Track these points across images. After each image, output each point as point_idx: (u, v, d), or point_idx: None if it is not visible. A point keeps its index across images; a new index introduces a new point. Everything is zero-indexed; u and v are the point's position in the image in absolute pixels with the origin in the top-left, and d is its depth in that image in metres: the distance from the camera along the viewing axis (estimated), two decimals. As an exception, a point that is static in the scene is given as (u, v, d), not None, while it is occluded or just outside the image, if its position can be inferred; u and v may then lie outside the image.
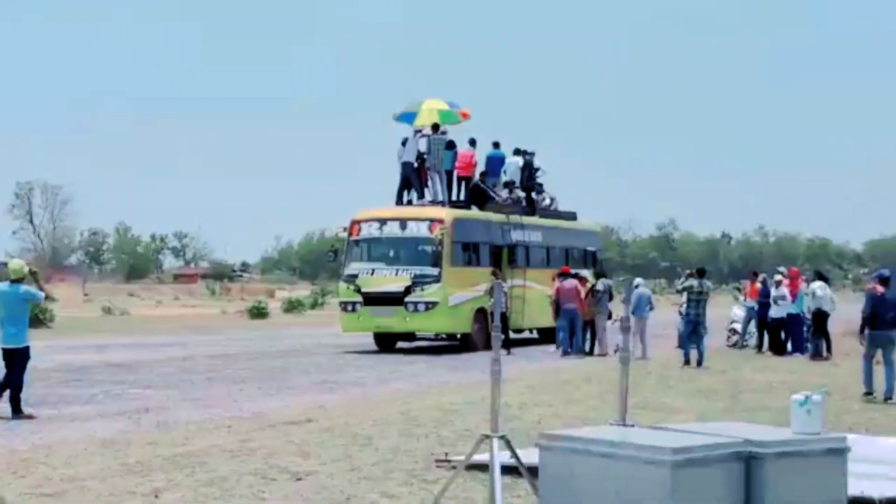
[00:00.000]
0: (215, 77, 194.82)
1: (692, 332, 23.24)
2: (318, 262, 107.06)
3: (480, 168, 29.58)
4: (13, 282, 14.20)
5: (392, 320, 26.32)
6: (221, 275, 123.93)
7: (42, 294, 15.00)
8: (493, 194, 29.17)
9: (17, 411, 14.06)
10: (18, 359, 14.14)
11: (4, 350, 14.21)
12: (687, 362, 22.63)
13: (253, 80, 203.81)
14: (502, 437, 7.19)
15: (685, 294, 25.06)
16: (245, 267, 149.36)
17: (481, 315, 26.76)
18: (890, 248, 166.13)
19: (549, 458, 6.52)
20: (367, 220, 27.17)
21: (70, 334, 33.69)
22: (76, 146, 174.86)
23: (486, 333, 27.06)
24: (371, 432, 12.68)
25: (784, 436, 6.63)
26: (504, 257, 28.15)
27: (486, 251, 27.90)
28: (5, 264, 15.52)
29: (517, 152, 30.80)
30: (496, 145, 29.91)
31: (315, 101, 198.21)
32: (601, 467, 6.24)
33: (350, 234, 27.30)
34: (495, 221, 28.45)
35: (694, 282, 24.29)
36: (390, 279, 26.23)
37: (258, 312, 50.16)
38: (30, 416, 14.10)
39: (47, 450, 11.33)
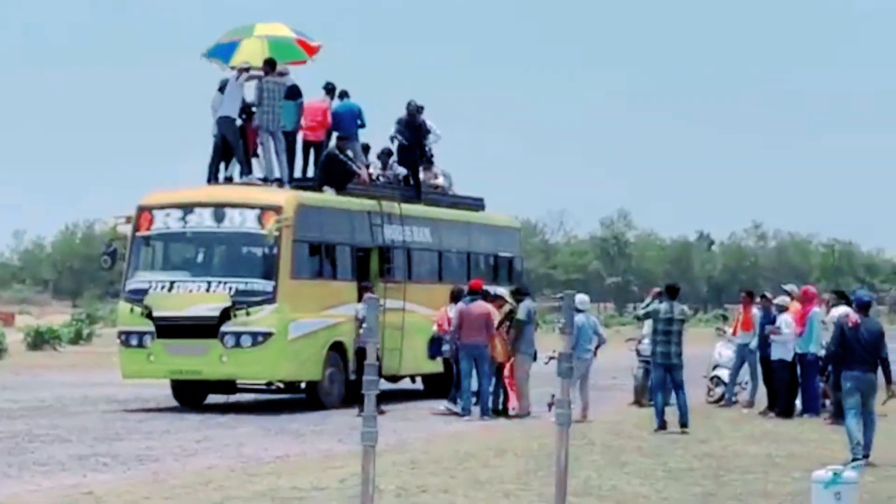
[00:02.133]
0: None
1: (664, 381, 23.63)
2: (84, 273, 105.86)
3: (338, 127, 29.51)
4: None
5: (200, 361, 26.11)
6: None
7: None
8: (356, 169, 29.04)
9: None
10: None
11: None
12: (662, 426, 22.94)
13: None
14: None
15: (650, 323, 25.23)
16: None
17: (337, 354, 26.80)
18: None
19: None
20: (162, 207, 26.97)
21: None
22: None
23: (345, 381, 27.05)
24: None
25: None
26: (374, 265, 28.28)
27: (346, 255, 28.12)
28: None
29: (409, 110, 30.82)
30: (344, 95, 29.87)
31: (83, 35, 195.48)
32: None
33: (136, 229, 27.02)
34: (361, 210, 28.54)
35: (663, 305, 24.43)
36: (199, 297, 26.08)
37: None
38: None
39: None
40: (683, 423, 22.85)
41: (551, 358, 24.79)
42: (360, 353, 25.92)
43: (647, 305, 26.04)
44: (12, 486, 15.69)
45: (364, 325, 10.10)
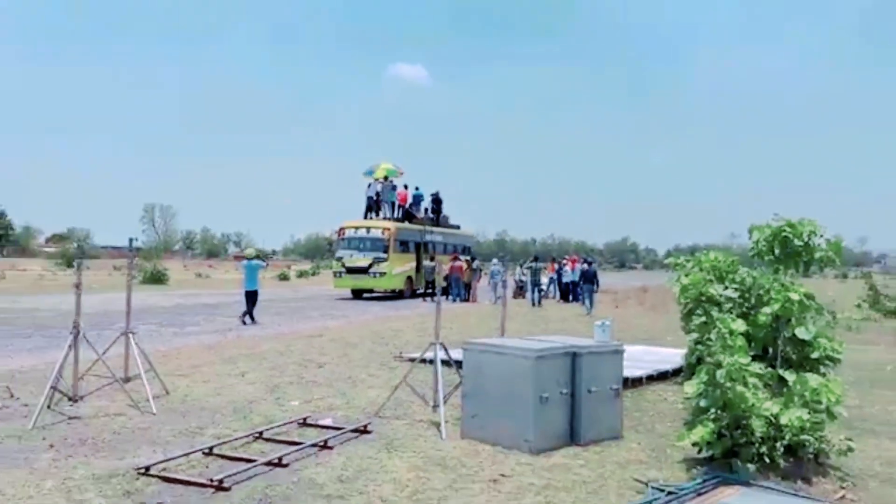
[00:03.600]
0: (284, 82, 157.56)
1: (534, 289, 24.02)
2: (314, 250, 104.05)
3: (410, 201, 28.97)
4: (250, 259, 16.32)
5: (362, 281, 25.68)
6: (265, 256, 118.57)
7: (265, 263, 17.58)
8: (416, 215, 28.75)
9: (252, 320, 15.61)
10: (254, 296, 15.77)
11: (247, 292, 15.71)
12: (533, 304, 23.27)
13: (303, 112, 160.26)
14: (441, 343, 7.11)
15: (529, 270, 25.29)
16: (275, 252, 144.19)
17: (409, 279, 26.56)
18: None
19: (468, 356, 6.44)
20: (349, 227, 26.47)
21: (179, 289, 32.63)
22: (181, 174, 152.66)
23: (411, 289, 26.91)
24: (356, 341, 12.52)
25: (591, 343, 6.65)
26: (421, 249, 27.93)
27: (412, 245, 27.42)
28: (244, 255, 17.04)
29: (433, 195, 30.38)
30: (416, 188, 29.26)
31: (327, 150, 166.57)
32: (497, 360, 6.20)
33: (339, 235, 26.63)
34: (418, 229, 27.99)
35: (533, 264, 24.91)
36: (361, 259, 25.62)
37: (284, 277, 48.78)
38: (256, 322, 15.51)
39: (177, 350, 11.01)
40: (539, 304, 23.14)
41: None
42: (430, 283, 25.87)
43: (528, 264, 26.05)
44: (300, 325, 15.54)
45: (436, 272, 9.53)
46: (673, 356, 10.39)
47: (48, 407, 6.65)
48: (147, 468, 5.08)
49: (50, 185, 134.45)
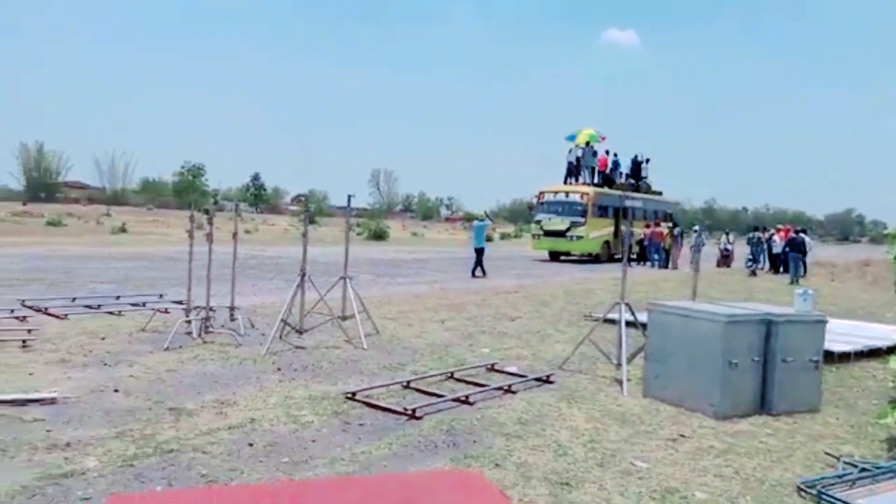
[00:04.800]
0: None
1: (750, 259, 23.13)
2: (517, 214, 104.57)
3: (610, 166, 28.05)
4: (480, 220, 18.04)
5: (559, 244, 25.45)
6: (470, 218, 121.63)
7: (490, 223, 19.65)
8: (616, 180, 27.81)
9: (483, 273, 16.66)
10: (482, 252, 17.01)
11: (476, 248, 16.96)
12: (753, 273, 22.07)
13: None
14: (626, 304, 6.89)
15: (750, 241, 23.92)
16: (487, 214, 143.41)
17: (606, 244, 25.89)
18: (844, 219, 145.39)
19: (654, 317, 6.19)
20: (548, 192, 26.25)
21: (396, 245, 34.78)
22: (404, 142, 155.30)
23: (609, 254, 26.21)
24: (549, 299, 12.51)
25: (790, 312, 6.08)
26: (620, 214, 27.01)
27: (611, 210, 26.51)
28: (471, 218, 18.49)
29: (633, 158, 29.17)
30: (615, 154, 28.33)
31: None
32: (684, 322, 5.89)
33: (538, 199, 26.49)
34: (617, 194, 26.95)
35: (753, 234, 23.94)
36: (559, 223, 25.35)
37: (488, 238, 48.75)
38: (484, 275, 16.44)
39: (389, 298, 11.74)
40: (755, 274, 21.83)
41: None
42: (631, 246, 25.12)
43: (750, 236, 24.37)
44: (497, 282, 15.66)
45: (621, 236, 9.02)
46: (889, 333, 9.15)
47: (279, 337, 7.52)
48: (354, 394, 5.56)
49: (296, 153, 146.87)
